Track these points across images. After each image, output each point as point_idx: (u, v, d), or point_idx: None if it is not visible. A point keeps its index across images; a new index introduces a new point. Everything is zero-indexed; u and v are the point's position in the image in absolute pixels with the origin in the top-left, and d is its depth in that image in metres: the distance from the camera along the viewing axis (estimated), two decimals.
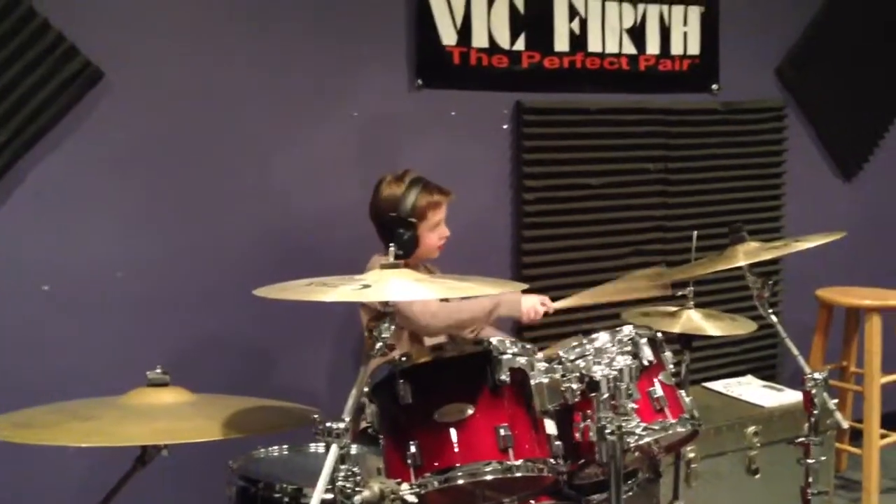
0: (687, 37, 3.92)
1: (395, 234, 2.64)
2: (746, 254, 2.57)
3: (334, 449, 1.70)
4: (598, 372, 1.98)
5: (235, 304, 3.06)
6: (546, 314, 2.90)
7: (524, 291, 3.38)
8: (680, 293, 2.83)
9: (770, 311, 2.53)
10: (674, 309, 2.83)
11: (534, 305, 2.81)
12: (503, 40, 3.51)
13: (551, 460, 1.98)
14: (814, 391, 2.42)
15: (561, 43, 3.64)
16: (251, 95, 3.11)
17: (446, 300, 2.86)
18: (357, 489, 1.72)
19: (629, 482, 2.42)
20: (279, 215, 3.18)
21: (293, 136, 3.19)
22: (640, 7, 3.79)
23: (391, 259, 1.99)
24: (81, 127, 2.86)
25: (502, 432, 1.91)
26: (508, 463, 1.90)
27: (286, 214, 3.19)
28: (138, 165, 2.96)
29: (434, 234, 2.80)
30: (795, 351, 2.50)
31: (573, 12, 3.64)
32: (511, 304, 2.76)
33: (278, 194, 3.18)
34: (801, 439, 2.47)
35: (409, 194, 2.73)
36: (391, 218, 2.69)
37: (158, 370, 2.09)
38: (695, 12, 3.93)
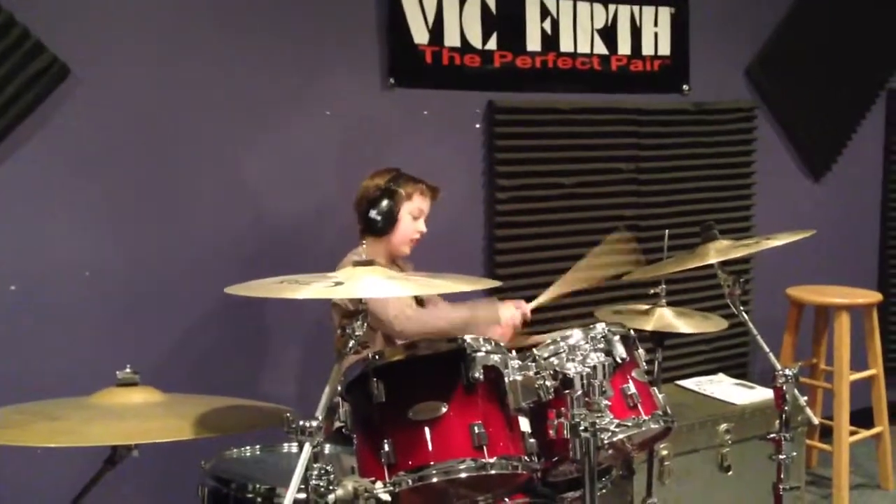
0: (657, 37, 3.95)
1: (377, 202, 2.68)
2: (718, 251, 2.58)
3: (307, 447, 1.68)
4: (572, 369, 1.98)
5: (206, 303, 3.05)
6: (525, 321, 2.87)
7: (496, 290, 3.39)
8: (652, 291, 2.84)
9: (741, 309, 2.55)
10: (646, 307, 2.84)
11: (512, 316, 2.78)
12: (475, 40, 3.51)
13: (525, 458, 1.98)
14: (785, 387, 2.44)
15: (533, 43, 3.64)
16: (222, 93, 3.08)
17: (421, 304, 2.86)
18: (331, 488, 1.71)
19: (603, 479, 2.42)
20: (251, 214, 3.16)
21: (265, 135, 3.17)
22: (612, 7, 3.80)
23: (363, 255, 1.97)
24: (48, 125, 2.82)
25: (476, 430, 1.91)
26: (483, 460, 1.90)
27: (258, 213, 3.17)
28: (107, 164, 2.92)
29: (412, 225, 2.80)
30: (766, 348, 2.52)
31: (545, 12, 3.65)
32: (490, 316, 2.73)
33: (250, 193, 3.16)
34: (772, 435, 2.48)
35: (397, 179, 2.77)
36: (378, 191, 2.73)
37: (128, 370, 2.06)
38: (665, 13, 3.95)
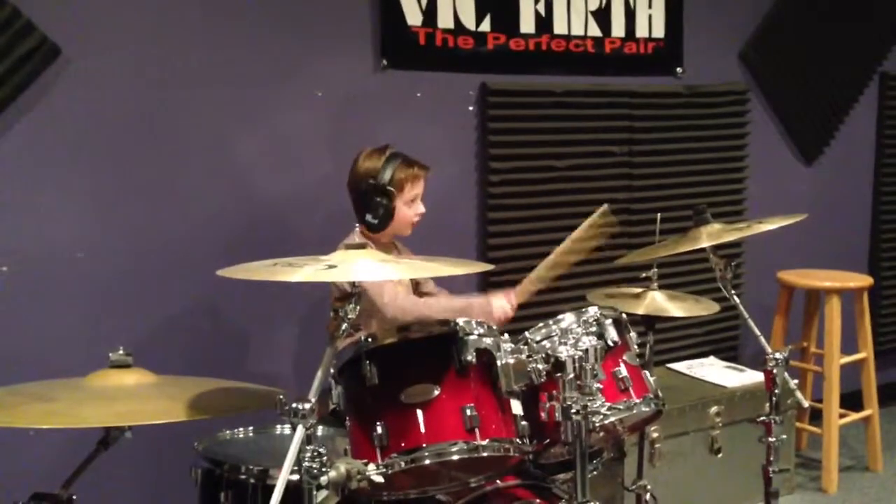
0: (651, 20, 3.93)
1: (371, 202, 2.66)
2: (710, 235, 2.59)
3: (300, 429, 1.69)
4: (564, 352, 1.99)
5: (199, 285, 3.04)
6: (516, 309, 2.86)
7: (489, 273, 3.40)
8: (644, 275, 2.85)
9: (733, 292, 2.56)
10: (638, 290, 2.85)
11: (503, 308, 2.76)
12: (469, 21, 3.49)
13: (517, 440, 1.99)
14: (775, 370, 2.45)
15: (527, 25, 3.63)
16: (213, 74, 3.06)
17: (423, 291, 2.87)
18: (323, 469, 1.71)
19: (594, 462, 2.43)
20: (243, 196, 3.15)
21: (256, 116, 3.15)
22: None
23: (356, 238, 1.97)
24: (38, 105, 2.81)
25: (468, 412, 1.92)
26: (475, 443, 1.91)
27: (251, 195, 3.16)
28: (98, 144, 2.91)
29: (410, 210, 2.78)
30: (757, 331, 2.53)
31: None
32: (482, 309, 2.72)
33: (242, 175, 3.15)
34: (762, 418, 2.50)
35: (388, 166, 2.72)
36: (369, 186, 2.69)
37: (121, 351, 2.06)
38: None
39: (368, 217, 2.69)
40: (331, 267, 1.85)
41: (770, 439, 2.50)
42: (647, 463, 3.02)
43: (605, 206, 2.88)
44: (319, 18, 3.23)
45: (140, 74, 2.95)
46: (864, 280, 4.03)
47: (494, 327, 2.08)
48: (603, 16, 3.79)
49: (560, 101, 3.71)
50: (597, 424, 2.01)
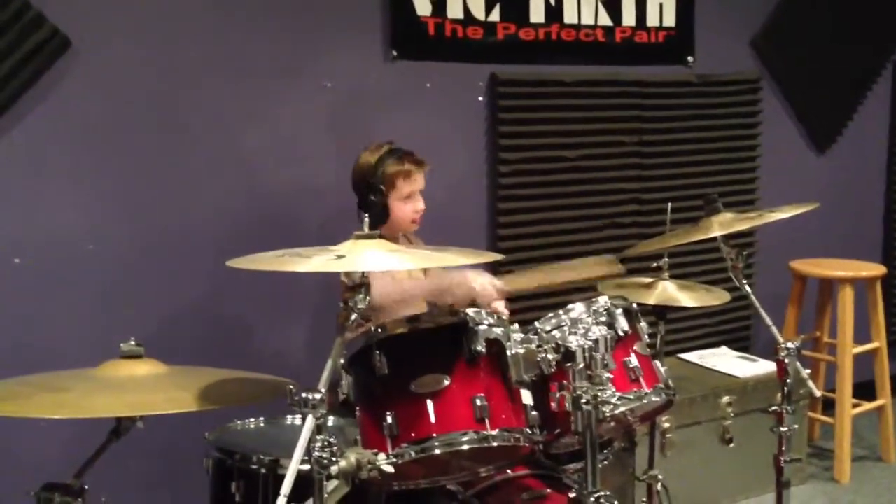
0: (662, 8, 3.91)
1: (366, 201, 2.67)
2: (721, 225, 2.57)
3: (310, 420, 1.69)
4: (574, 342, 1.98)
5: (209, 276, 3.05)
6: (504, 297, 2.80)
7: (499, 263, 3.39)
8: (655, 265, 2.84)
9: (744, 282, 2.54)
10: (649, 280, 2.84)
11: (491, 282, 2.70)
12: (478, 11, 3.48)
13: (527, 430, 1.98)
14: (787, 360, 2.44)
15: (536, 14, 3.61)
16: (223, 65, 3.07)
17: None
18: (334, 459, 1.71)
19: (604, 452, 2.43)
20: (253, 187, 3.15)
21: (265, 108, 3.16)
22: None
23: (366, 229, 1.97)
24: (49, 97, 2.81)
25: (478, 402, 1.91)
26: (485, 433, 1.90)
27: (260, 186, 3.17)
28: (109, 136, 2.92)
29: (406, 206, 2.78)
30: (769, 321, 2.51)
31: None
32: (461, 285, 2.66)
33: (251, 166, 3.15)
34: (774, 407, 2.48)
35: (380, 163, 2.73)
36: (363, 184, 2.72)
37: (132, 342, 2.07)
38: None
39: (364, 216, 2.67)
40: (339, 257, 1.85)
41: (782, 429, 2.48)
42: (658, 453, 3.01)
43: (612, 257, 2.86)
44: (328, 9, 3.23)
45: (149, 66, 2.95)
46: (878, 269, 4.01)
47: (504, 317, 2.07)
48: (613, 4, 3.77)
49: (570, 91, 3.70)
50: (607, 414, 2.00)
